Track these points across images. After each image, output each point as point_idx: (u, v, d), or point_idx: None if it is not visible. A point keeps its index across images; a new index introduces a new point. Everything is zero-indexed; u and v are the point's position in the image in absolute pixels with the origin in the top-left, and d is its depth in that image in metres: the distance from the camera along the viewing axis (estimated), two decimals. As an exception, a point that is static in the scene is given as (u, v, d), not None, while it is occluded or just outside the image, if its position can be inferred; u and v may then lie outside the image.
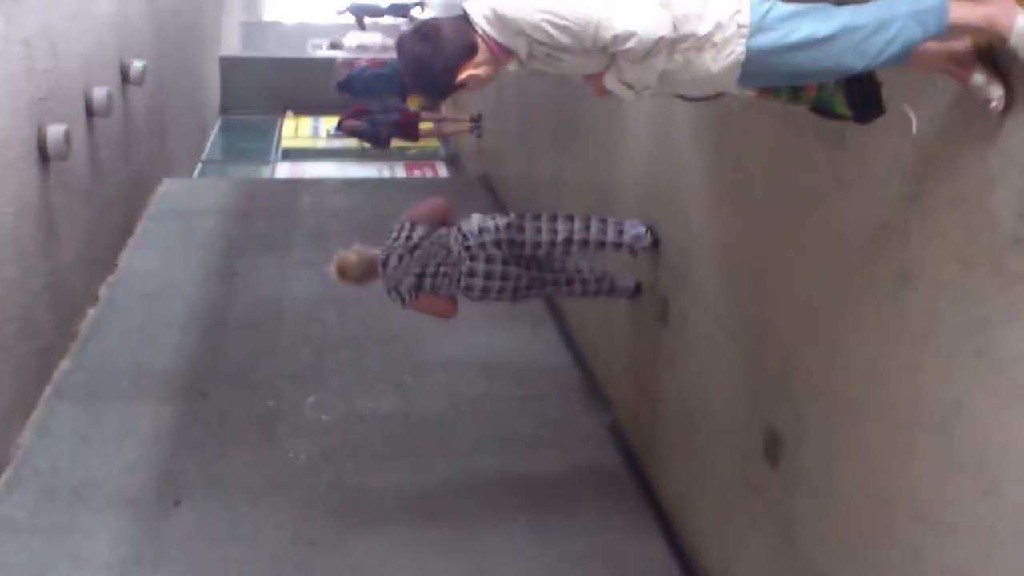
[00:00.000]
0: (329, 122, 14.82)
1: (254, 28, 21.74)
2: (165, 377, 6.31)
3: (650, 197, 5.22)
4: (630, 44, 2.29)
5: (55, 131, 6.00)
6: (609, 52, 2.35)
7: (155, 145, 10.07)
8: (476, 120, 11.74)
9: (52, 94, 6.21)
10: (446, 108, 14.18)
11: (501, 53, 2.40)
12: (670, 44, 2.32)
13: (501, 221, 4.85)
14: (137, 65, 8.46)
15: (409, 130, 12.18)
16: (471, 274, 4.77)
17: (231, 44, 18.33)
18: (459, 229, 4.85)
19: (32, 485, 5.09)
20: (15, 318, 5.42)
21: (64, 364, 6.32)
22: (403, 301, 4.88)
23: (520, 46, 2.39)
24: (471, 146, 12.43)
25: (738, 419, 4.03)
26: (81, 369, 6.33)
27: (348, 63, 13.77)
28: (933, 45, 2.44)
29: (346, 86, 13.07)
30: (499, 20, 2.36)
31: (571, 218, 4.95)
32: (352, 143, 14.51)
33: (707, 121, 4.39)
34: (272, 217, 9.64)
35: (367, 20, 19.42)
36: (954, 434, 2.59)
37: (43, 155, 5.96)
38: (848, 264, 3.15)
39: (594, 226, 4.93)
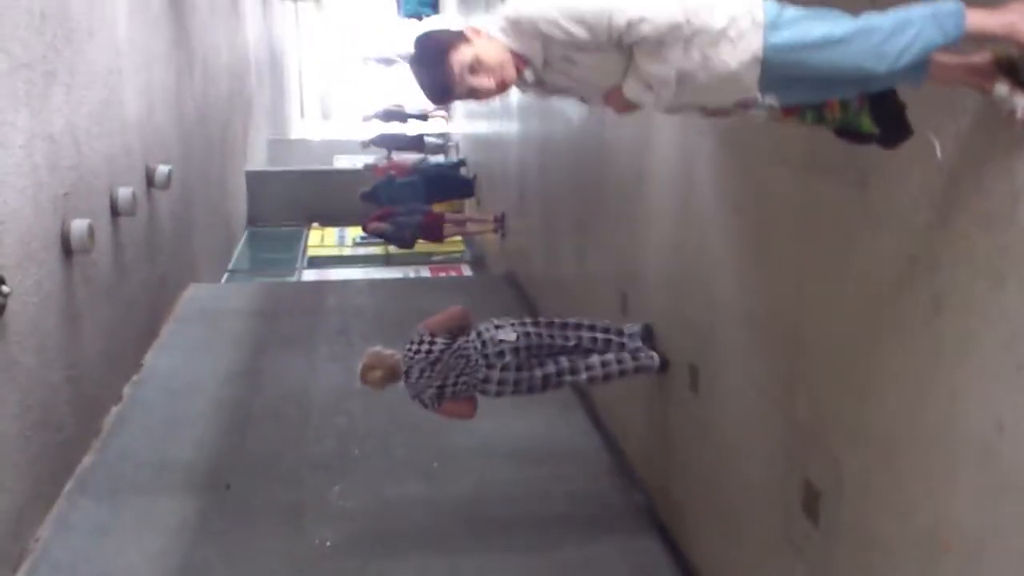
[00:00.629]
0: (354, 232, 15.01)
1: (281, 145, 22.22)
2: (189, 471, 6.22)
3: (674, 271, 5.17)
4: (644, 30, 2.25)
5: (79, 225, 6.06)
6: (625, 44, 2.30)
7: (181, 249, 10.18)
8: (500, 220, 11.82)
9: (76, 190, 6.31)
10: (470, 209, 14.33)
11: (516, 60, 2.37)
12: (685, 39, 2.29)
13: (520, 331, 5.10)
14: (163, 169, 8.61)
15: (433, 231, 12.26)
16: (487, 380, 5.04)
17: (258, 160, 18.72)
18: (479, 336, 5.07)
19: (51, 578, 4.97)
20: (34, 408, 5.38)
21: (86, 460, 6.25)
22: (425, 406, 5.13)
23: (535, 52, 2.35)
24: (495, 246, 12.49)
25: (773, 478, 3.89)
26: (103, 464, 6.25)
27: (376, 168, 13.99)
28: (953, 58, 2.41)
29: (371, 196, 13.25)
30: (514, 26, 2.34)
31: (589, 326, 5.35)
32: (377, 250, 14.67)
33: (728, 180, 4.37)
34: (298, 317, 9.65)
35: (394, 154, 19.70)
36: (999, 457, 2.46)
37: (67, 249, 6.01)
38: (878, 301, 3.07)
39: (600, 332, 5.35)
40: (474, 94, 2.38)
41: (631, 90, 2.36)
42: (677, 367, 5.09)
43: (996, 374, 2.48)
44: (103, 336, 6.91)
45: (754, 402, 4.09)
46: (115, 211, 7.23)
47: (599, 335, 5.33)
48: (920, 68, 2.33)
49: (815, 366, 3.54)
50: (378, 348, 5.15)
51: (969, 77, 2.41)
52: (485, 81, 2.35)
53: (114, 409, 7.05)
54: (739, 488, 4.33)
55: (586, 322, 5.40)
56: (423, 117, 19.64)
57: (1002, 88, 2.36)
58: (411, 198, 12.88)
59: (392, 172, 13.75)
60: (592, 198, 6.99)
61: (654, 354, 5.27)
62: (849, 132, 2.70)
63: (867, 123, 2.58)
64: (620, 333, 5.42)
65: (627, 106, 2.43)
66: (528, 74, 2.40)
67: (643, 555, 5.19)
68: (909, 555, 2.92)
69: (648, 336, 5.42)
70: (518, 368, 5.05)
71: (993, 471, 2.49)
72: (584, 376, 5.21)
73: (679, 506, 5.21)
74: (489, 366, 5.01)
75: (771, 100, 2.39)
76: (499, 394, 5.09)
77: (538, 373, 5.10)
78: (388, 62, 21.08)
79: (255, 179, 16.79)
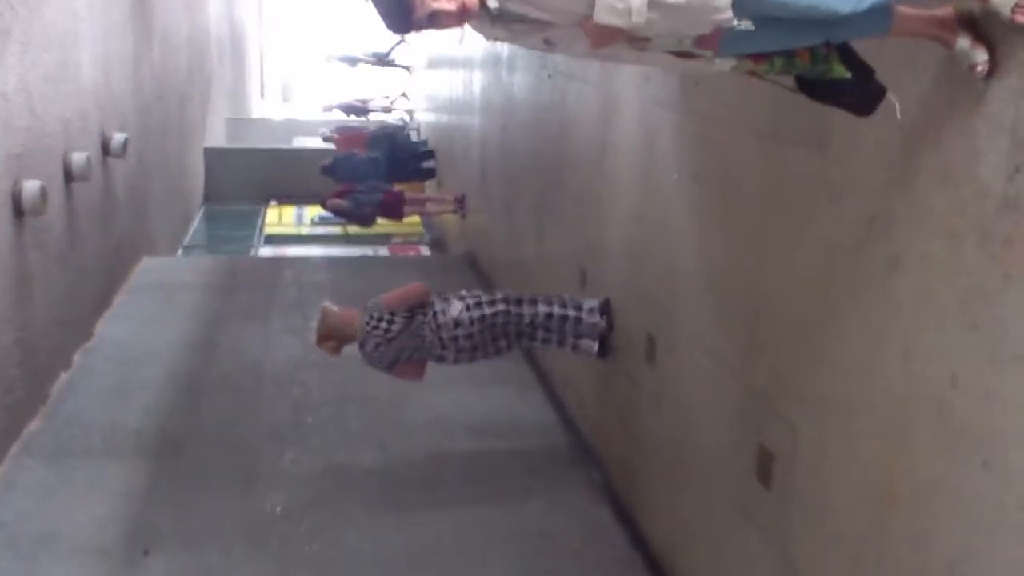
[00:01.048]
0: (313, 211, 14.89)
1: (240, 124, 21.95)
2: (139, 436, 6.13)
3: (634, 244, 5.19)
4: None
5: (31, 186, 5.95)
6: None
7: (135, 221, 10.02)
8: (460, 200, 11.78)
9: (29, 151, 6.19)
10: (431, 190, 14.29)
11: None
12: None
13: (476, 314, 5.27)
14: (119, 137, 8.47)
15: (393, 209, 12.20)
16: (441, 359, 5.37)
17: (217, 138, 18.49)
18: (434, 318, 5.26)
19: (-5, 537, 4.89)
20: (-18, 369, 5.28)
21: (33, 424, 6.14)
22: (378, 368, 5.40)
23: None
24: (456, 227, 12.45)
25: (728, 445, 3.92)
26: (51, 429, 6.15)
27: (335, 138, 13.88)
28: (917, 11, 2.43)
29: (331, 170, 13.17)
30: None
31: (546, 300, 5.52)
32: (336, 230, 14.57)
33: (689, 150, 4.39)
34: (254, 291, 9.55)
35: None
36: (952, 410, 2.50)
37: (18, 210, 5.90)
38: (836, 264, 3.10)
39: (556, 307, 5.49)
40: (434, 20, 2.30)
41: (603, 14, 2.26)
42: (634, 339, 5.11)
43: (951, 331, 2.51)
44: (54, 302, 6.80)
45: (710, 371, 4.12)
46: (69, 176, 7.10)
47: (555, 311, 5.45)
48: (884, 15, 2.34)
49: (773, 333, 3.57)
50: (332, 308, 5.38)
51: (932, 29, 2.43)
52: (446, 4, 2.29)
53: (63, 375, 6.94)
54: (693, 457, 4.36)
55: (541, 298, 5.52)
56: (387, 110, 19.55)
57: (963, 42, 2.39)
58: (372, 175, 12.81)
59: (354, 150, 13.65)
60: (554, 176, 6.99)
61: (594, 344, 5.46)
62: (822, 88, 2.67)
63: (839, 68, 2.55)
64: (579, 308, 5.47)
65: (602, 36, 2.33)
66: (492, 1, 2.32)
67: (597, 526, 5.20)
68: (861, 512, 2.95)
69: (605, 311, 5.46)
70: (472, 349, 5.32)
71: (946, 425, 2.52)
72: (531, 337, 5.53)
73: (634, 477, 5.23)
74: (444, 347, 5.29)
75: (745, 24, 2.31)
76: (455, 362, 5.43)
77: (491, 349, 5.40)
78: (352, 61, 20.88)
79: (213, 156, 16.58)
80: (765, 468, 3.59)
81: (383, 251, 13.94)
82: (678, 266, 4.52)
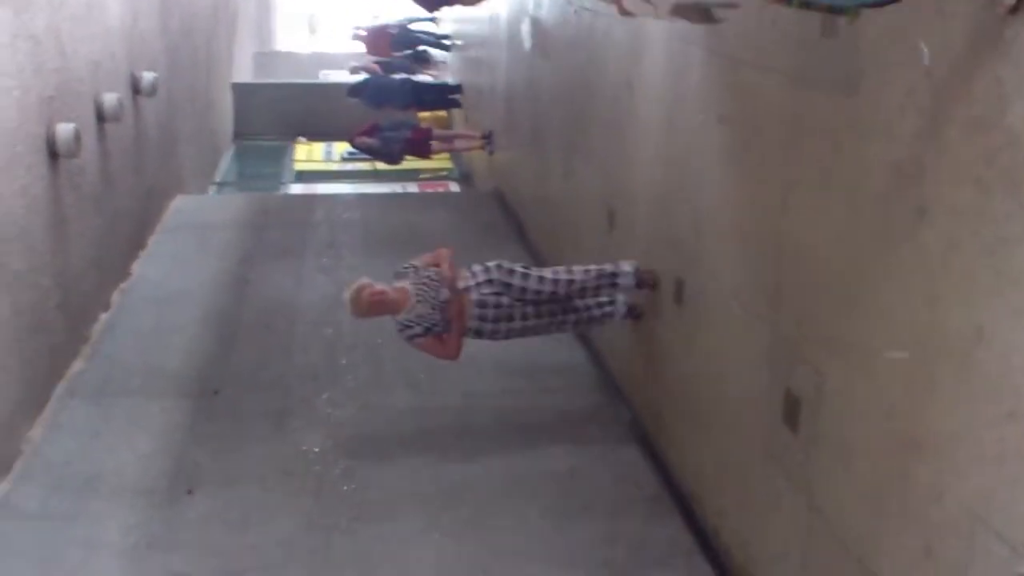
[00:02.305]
0: (341, 147, 14.90)
1: (267, 58, 21.90)
2: (177, 377, 6.28)
3: (661, 185, 5.19)
4: None
5: (65, 129, 6.02)
6: None
7: (167, 160, 10.10)
8: (488, 136, 11.75)
9: (61, 94, 6.24)
10: (458, 125, 14.24)
11: None
12: None
13: (500, 294, 5.21)
14: (148, 76, 8.51)
15: (421, 147, 12.19)
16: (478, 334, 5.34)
17: (244, 73, 18.46)
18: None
19: (43, 477, 5.05)
20: (24, 312, 5.40)
21: (76, 365, 6.30)
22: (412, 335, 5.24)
23: None
24: (483, 163, 12.44)
25: (756, 390, 3.96)
26: (93, 369, 6.30)
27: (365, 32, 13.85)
28: None
29: (357, 91, 13.15)
30: None
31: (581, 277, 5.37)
32: (364, 166, 14.59)
33: (716, 90, 4.37)
34: (286, 229, 9.65)
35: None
36: (976, 362, 2.52)
37: (53, 153, 5.97)
38: (862, 211, 3.10)
39: (593, 274, 5.37)
40: None
41: None
42: (663, 281, 5.13)
43: (978, 280, 2.53)
44: (91, 243, 6.91)
45: (738, 315, 4.15)
46: (101, 117, 7.16)
47: (590, 282, 5.35)
48: None
49: (799, 278, 3.59)
50: (378, 287, 5.13)
51: None
52: None
53: (103, 316, 7.08)
54: (721, 399, 4.41)
55: (577, 272, 5.39)
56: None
57: None
58: (399, 97, 12.77)
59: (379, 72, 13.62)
60: (580, 113, 6.96)
61: (618, 301, 5.51)
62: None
63: None
64: (613, 276, 5.38)
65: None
66: None
67: (626, 466, 5.29)
68: (885, 460, 3.00)
69: (641, 282, 5.34)
70: (495, 320, 5.24)
71: (971, 375, 2.55)
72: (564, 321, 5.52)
73: (662, 417, 5.30)
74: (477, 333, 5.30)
75: None
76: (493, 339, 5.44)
77: (517, 326, 5.31)
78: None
79: (241, 91, 16.58)
80: (792, 412, 3.64)
81: (412, 187, 13.96)
82: (704, 209, 4.53)
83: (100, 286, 7.18)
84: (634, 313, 5.52)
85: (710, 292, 4.52)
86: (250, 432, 5.59)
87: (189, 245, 8.97)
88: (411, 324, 5.08)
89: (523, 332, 5.35)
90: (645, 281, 5.28)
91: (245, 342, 6.89)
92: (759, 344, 3.94)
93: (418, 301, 5.05)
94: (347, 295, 5.10)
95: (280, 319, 7.28)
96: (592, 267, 5.40)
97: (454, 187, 14.17)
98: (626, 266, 5.36)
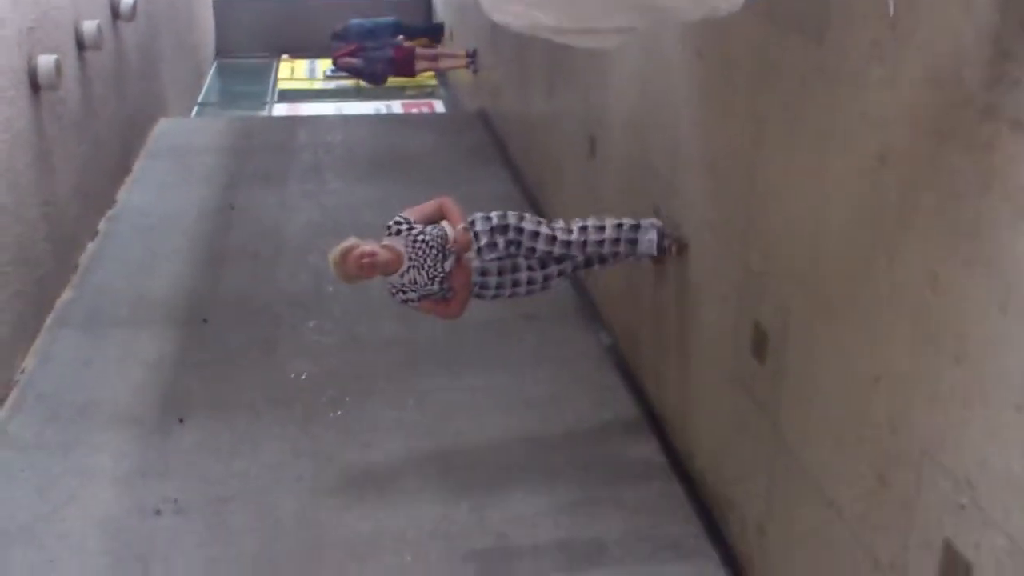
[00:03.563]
0: (325, 64, 14.75)
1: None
2: (166, 305, 6.39)
3: (639, 115, 5.24)
4: None
5: (45, 61, 6.01)
6: None
7: (149, 84, 10.05)
8: (472, 55, 11.68)
9: (41, 25, 6.21)
10: (442, 45, 14.11)
11: None
12: None
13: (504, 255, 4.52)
14: (127, 0, 8.43)
15: (405, 66, 12.12)
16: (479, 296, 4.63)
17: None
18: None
19: (36, 407, 5.19)
20: (10, 245, 5.47)
21: (65, 295, 6.40)
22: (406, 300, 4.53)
23: None
24: (468, 81, 12.38)
25: (727, 319, 4.09)
26: (82, 299, 6.40)
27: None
28: None
29: (343, 35, 12.99)
30: None
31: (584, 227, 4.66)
32: (349, 83, 14.48)
33: (692, 27, 4.40)
34: (269, 153, 9.66)
35: None
36: (930, 307, 2.64)
37: (34, 85, 5.98)
38: (828, 155, 3.19)
39: (609, 230, 4.67)
40: None
41: None
42: (641, 210, 5.22)
43: (933, 229, 2.63)
44: (75, 173, 6.94)
45: (712, 247, 4.26)
46: (81, 45, 7.13)
47: (607, 235, 4.65)
48: None
49: (769, 215, 3.69)
50: (368, 247, 4.34)
51: None
52: None
53: (90, 245, 7.15)
54: (695, 327, 4.55)
55: (592, 231, 4.66)
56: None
57: None
58: (382, 34, 12.62)
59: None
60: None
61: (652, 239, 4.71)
62: None
63: None
64: (635, 228, 4.72)
65: None
66: None
67: (605, 390, 5.45)
68: (845, 395, 3.14)
69: (661, 242, 4.70)
70: (499, 287, 4.60)
71: (924, 320, 2.67)
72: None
73: (640, 344, 5.45)
74: (479, 296, 4.62)
75: None
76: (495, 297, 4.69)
77: (522, 291, 4.66)
78: None
79: (223, 7, 16.36)
80: (760, 345, 3.78)
81: (397, 105, 13.90)
82: (681, 140, 4.60)
83: (86, 215, 7.23)
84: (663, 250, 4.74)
85: (686, 222, 4.61)
86: (239, 360, 5.73)
87: (173, 170, 8.99)
88: (404, 289, 4.41)
89: (528, 294, 4.72)
90: (667, 248, 4.66)
91: (232, 270, 6.99)
92: (731, 276, 4.06)
93: (411, 267, 4.35)
94: (331, 257, 4.36)
95: (266, 246, 7.37)
96: (609, 225, 4.67)
97: (439, 105, 14.12)
98: (650, 232, 4.68)
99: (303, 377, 5.56)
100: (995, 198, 2.36)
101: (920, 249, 2.69)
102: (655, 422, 5.13)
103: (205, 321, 6.18)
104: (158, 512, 4.42)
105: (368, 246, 4.33)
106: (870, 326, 2.96)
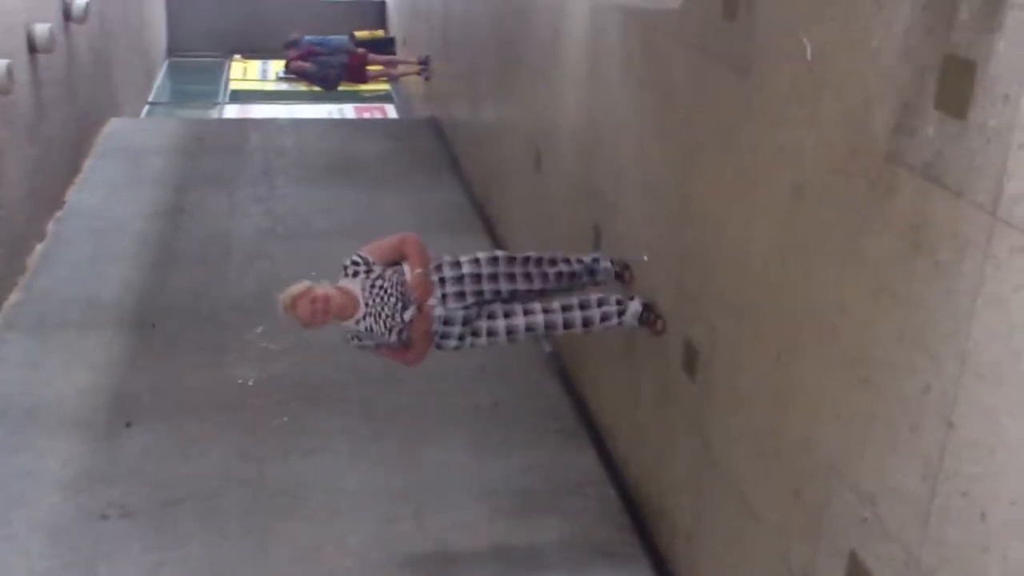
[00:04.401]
0: (278, 65, 14.79)
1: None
2: (115, 309, 6.45)
3: (584, 132, 5.42)
4: None
5: (-2, 66, 6.05)
6: None
7: (100, 84, 10.05)
8: (424, 62, 11.81)
9: (-7, 29, 6.26)
10: (398, 51, 14.22)
11: None
12: None
13: (471, 289, 4.18)
14: (80, 2, 8.44)
15: (358, 72, 12.22)
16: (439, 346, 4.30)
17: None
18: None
19: (-17, 409, 5.24)
20: (-38, 248, 5.52)
21: (13, 297, 6.43)
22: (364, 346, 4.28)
23: None
24: (420, 88, 12.51)
25: (663, 337, 4.28)
26: (30, 301, 6.44)
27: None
28: None
29: (295, 44, 13.02)
30: None
31: (539, 261, 4.41)
32: (301, 86, 14.52)
33: (632, 53, 4.59)
34: (220, 156, 9.71)
35: None
36: (838, 333, 2.84)
37: (-14, 90, 6.02)
38: (752, 184, 3.38)
39: (561, 265, 4.44)
40: None
41: None
42: (583, 228, 5.40)
43: (843, 261, 2.83)
44: (26, 175, 6.97)
45: (648, 266, 4.44)
46: (32, 48, 7.16)
47: (563, 269, 4.44)
48: None
49: (700, 238, 3.88)
50: (306, 294, 4.05)
51: None
52: None
53: (38, 247, 7.18)
54: (631, 341, 4.73)
55: (554, 257, 4.49)
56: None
57: None
58: (335, 46, 12.66)
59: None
60: (513, 51, 7.12)
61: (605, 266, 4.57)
62: None
63: None
64: (595, 261, 4.56)
65: None
66: None
67: (546, 399, 5.62)
68: (763, 412, 3.34)
69: (619, 275, 4.59)
70: (460, 337, 4.24)
71: (833, 345, 2.87)
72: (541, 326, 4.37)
73: (580, 355, 5.63)
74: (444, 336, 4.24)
75: None
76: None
77: (483, 342, 4.31)
78: None
79: (175, 4, 16.31)
80: (690, 361, 3.97)
81: (349, 109, 13.98)
82: (622, 164, 4.78)
83: (35, 216, 7.26)
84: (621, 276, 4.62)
85: (625, 242, 4.79)
86: (186, 365, 5.81)
87: (123, 172, 9.02)
88: (360, 336, 4.13)
89: (491, 345, 4.37)
90: (622, 276, 4.57)
91: (181, 273, 7.06)
92: (667, 294, 4.25)
93: (368, 314, 4.06)
94: (282, 301, 4.06)
95: (215, 250, 7.44)
96: (564, 264, 4.45)
97: (391, 111, 14.21)
98: (603, 262, 4.56)
99: (250, 383, 5.66)
100: (894, 237, 2.56)
101: (830, 278, 2.89)
102: (593, 430, 5.31)
103: (153, 326, 6.25)
104: (105, 516, 4.50)
105: (321, 290, 4.04)
106: (787, 348, 3.15)
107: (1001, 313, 2.19)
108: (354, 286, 4.11)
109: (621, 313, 4.34)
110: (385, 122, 13.28)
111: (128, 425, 5.16)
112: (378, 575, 4.32)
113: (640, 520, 4.65)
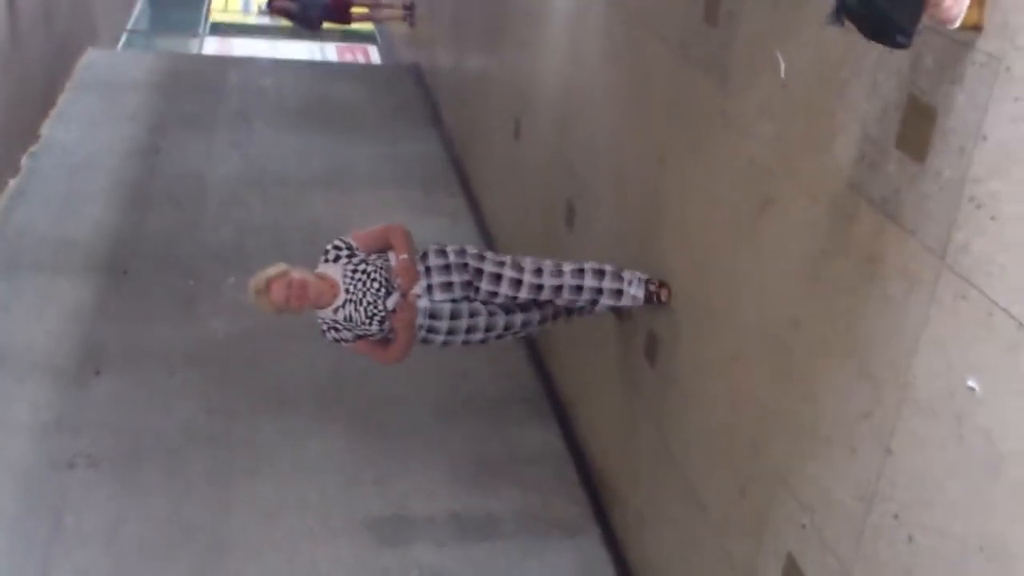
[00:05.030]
0: (261, -2, 14.63)
1: None
2: (87, 251, 6.47)
3: (563, 108, 5.46)
4: None
5: (-23, 1, 5.99)
6: None
7: (79, 12, 9.92)
8: (409, 7, 11.71)
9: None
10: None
11: None
12: None
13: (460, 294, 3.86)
14: (61, -70, 8.32)
15: (341, 13, 12.07)
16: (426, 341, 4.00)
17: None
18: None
19: (-46, 352, 5.29)
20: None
21: (-14, 235, 6.45)
22: (340, 339, 3.95)
23: None
24: (404, 33, 12.42)
25: (626, 320, 4.38)
26: (4, 239, 6.45)
27: None
28: None
29: None
30: None
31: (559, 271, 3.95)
32: (284, 21, 14.36)
33: (612, 42, 4.63)
34: (198, 95, 9.64)
35: None
36: (789, 348, 2.96)
37: (-36, 25, 5.97)
38: (720, 191, 3.47)
39: (589, 278, 3.95)
40: None
41: None
42: (557, 203, 5.47)
43: (797, 278, 2.94)
44: (1, 109, 6.92)
45: (615, 250, 4.53)
46: (10, -22, 7.08)
47: (586, 283, 3.95)
48: None
49: (667, 231, 3.97)
50: (282, 277, 3.73)
51: None
52: None
53: (12, 182, 7.16)
54: (597, 321, 4.83)
55: (567, 276, 3.94)
56: None
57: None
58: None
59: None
60: (497, 21, 7.12)
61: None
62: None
63: None
64: (618, 277, 3.98)
65: None
66: None
67: (511, 370, 5.71)
68: (717, 413, 3.47)
69: (649, 297, 3.95)
70: (451, 332, 3.94)
71: (784, 359, 2.99)
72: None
73: (549, 333, 5.72)
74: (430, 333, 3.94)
75: None
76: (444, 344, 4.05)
77: (477, 337, 3.99)
78: None
79: (158, -70, 16.02)
80: (652, 349, 4.08)
81: (330, 48, 13.86)
82: (597, 147, 4.85)
83: (9, 151, 7.23)
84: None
85: (595, 222, 4.88)
86: (157, 314, 5.87)
87: (99, 107, 8.94)
88: (337, 327, 3.85)
89: (484, 343, 4.08)
90: (654, 295, 3.93)
91: (154, 217, 7.07)
92: (631, 282, 4.34)
93: (348, 301, 3.77)
94: (253, 285, 3.76)
95: (190, 195, 7.44)
96: (589, 271, 3.96)
97: (374, 52, 14.10)
98: (633, 287, 3.93)
99: (219, 336, 5.73)
100: (850, 264, 2.67)
101: (787, 295, 3.00)
102: (557, 404, 5.44)
103: (125, 272, 6.28)
104: (72, 465, 4.60)
105: (297, 274, 3.73)
106: (741, 354, 3.27)
107: (940, 353, 2.31)
108: (334, 272, 3.82)
109: (617, 293, 3.94)
110: (366, 67, 13.20)
111: (97, 373, 5.24)
112: (338, 536, 4.45)
113: (596, 496, 4.80)
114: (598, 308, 4.07)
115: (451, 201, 7.76)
